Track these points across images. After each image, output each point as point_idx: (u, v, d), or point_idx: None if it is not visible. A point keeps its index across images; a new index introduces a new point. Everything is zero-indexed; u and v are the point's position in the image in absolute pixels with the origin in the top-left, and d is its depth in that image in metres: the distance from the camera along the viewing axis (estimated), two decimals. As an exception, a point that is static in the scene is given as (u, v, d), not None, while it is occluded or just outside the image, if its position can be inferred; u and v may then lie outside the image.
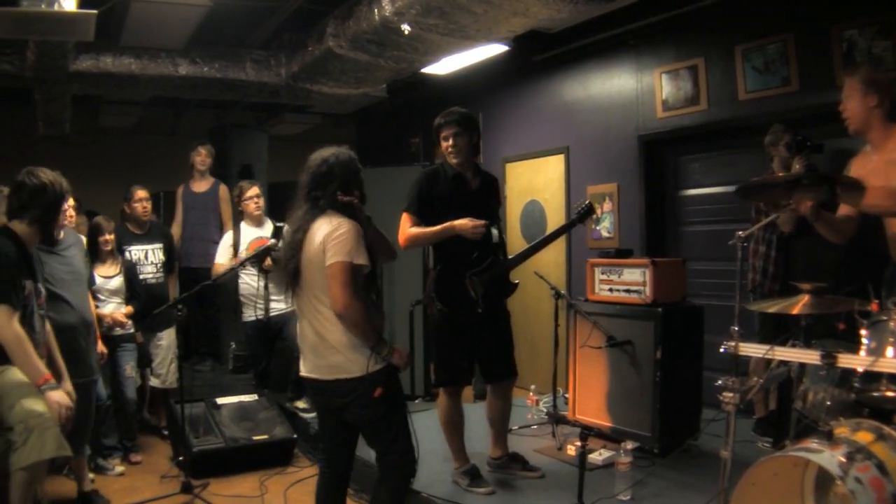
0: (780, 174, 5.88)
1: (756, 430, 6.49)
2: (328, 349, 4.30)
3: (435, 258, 5.68)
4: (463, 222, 5.36)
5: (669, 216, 8.60)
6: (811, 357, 3.90)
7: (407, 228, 5.50)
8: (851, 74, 4.79)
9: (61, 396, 4.47)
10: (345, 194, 4.34)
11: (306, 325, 4.44)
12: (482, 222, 5.40)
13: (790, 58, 6.87)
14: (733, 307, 6.78)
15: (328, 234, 4.21)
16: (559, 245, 9.31)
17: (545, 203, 9.88)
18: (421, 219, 5.52)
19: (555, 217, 9.60)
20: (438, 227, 5.44)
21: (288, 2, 7.85)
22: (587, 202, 5.99)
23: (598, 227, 9.01)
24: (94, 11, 6.30)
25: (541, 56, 9.40)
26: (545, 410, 7.35)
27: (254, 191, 7.89)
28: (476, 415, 6.41)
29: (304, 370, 4.50)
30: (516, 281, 5.81)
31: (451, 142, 5.57)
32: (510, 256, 5.80)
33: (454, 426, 5.74)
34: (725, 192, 7.90)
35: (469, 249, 5.47)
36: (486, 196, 5.76)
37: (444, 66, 8.60)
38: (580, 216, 5.92)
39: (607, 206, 8.89)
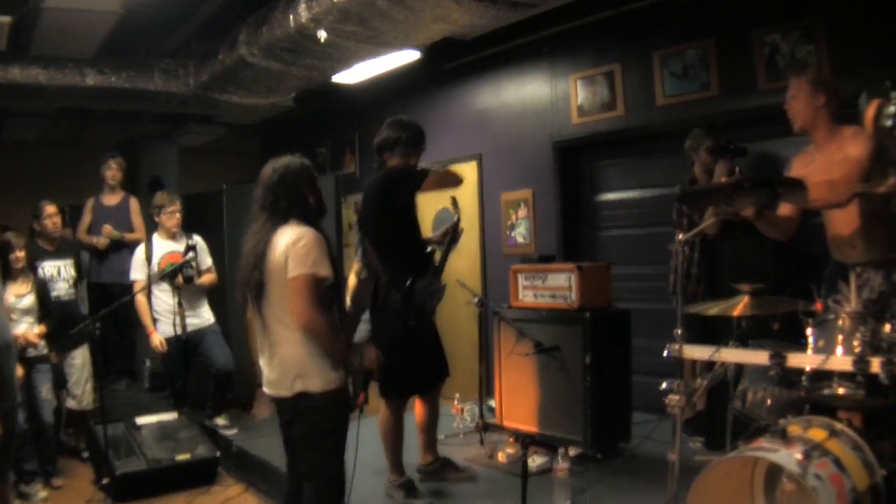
0: (723, 179, 5.91)
1: (685, 431, 6.54)
2: (286, 364, 4.22)
3: (389, 269, 5.57)
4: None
5: (585, 221, 8.65)
6: (760, 358, 3.93)
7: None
8: (799, 74, 4.84)
9: None
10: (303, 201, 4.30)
11: (266, 339, 4.32)
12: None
13: (710, 63, 6.96)
14: (657, 310, 6.96)
15: (289, 244, 4.11)
16: (473, 252, 9.30)
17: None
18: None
19: (467, 223, 9.56)
20: None
21: (200, 9, 7.71)
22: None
23: (513, 234, 9.01)
24: (8, 19, 6.11)
25: (453, 63, 9.37)
26: (469, 419, 7.32)
27: (175, 206, 7.69)
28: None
29: (264, 385, 4.43)
30: (443, 284, 5.77)
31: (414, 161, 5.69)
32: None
33: (396, 437, 5.69)
34: (642, 196, 8.00)
35: (420, 259, 5.66)
36: None
37: (355, 74, 8.52)
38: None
39: (522, 212, 8.91)
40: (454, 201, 6.17)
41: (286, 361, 4.20)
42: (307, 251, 4.07)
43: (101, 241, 8.34)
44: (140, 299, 7.38)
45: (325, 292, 4.17)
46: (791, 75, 4.89)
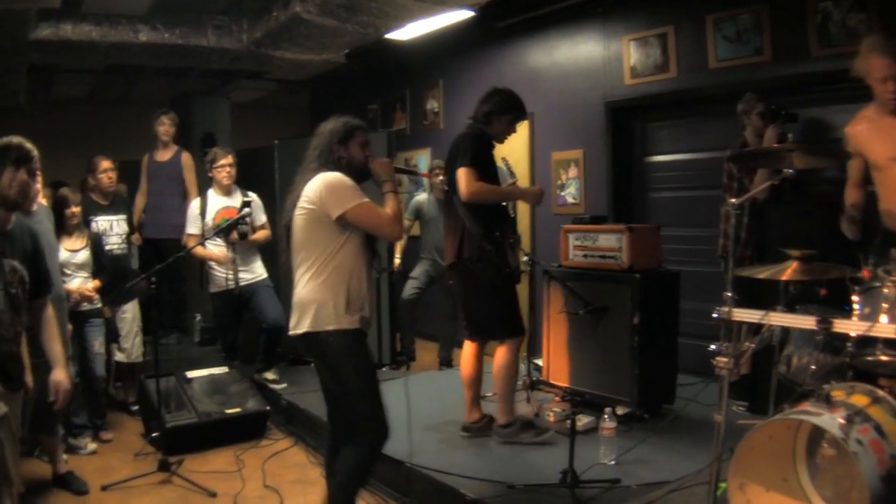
0: (773, 144, 5.94)
1: (729, 395, 6.59)
2: (297, 304, 4.49)
3: (481, 223, 5.76)
4: (534, 191, 6.29)
5: (636, 183, 8.69)
6: (807, 323, 3.97)
7: (474, 181, 5.66)
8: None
9: None
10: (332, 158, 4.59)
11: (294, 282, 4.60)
12: (541, 193, 6.23)
13: (763, 28, 6.94)
14: (704, 273, 6.99)
15: (309, 191, 4.46)
16: (523, 210, 9.35)
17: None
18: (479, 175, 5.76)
19: (520, 183, 9.63)
20: (509, 189, 6.25)
21: (256, -34, 7.74)
22: None
23: (563, 193, 9.06)
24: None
25: (506, 22, 9.40)
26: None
27: (227, 160, 7.73)
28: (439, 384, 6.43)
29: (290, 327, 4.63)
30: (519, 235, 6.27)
31: (515, 130, 6.09)
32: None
33: (516, 376, 6.11)
34: (693, 158, 8.02)
35: (506, 217, 6.03)
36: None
37: (407, 31, 8.55)
38: None
39: (573, 172, 8.95)
40: (506, 163, 6.32)
41: (297, 302, 4.48)
42: (330, 191, 4.38)
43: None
44: (198, 249, 7.47)
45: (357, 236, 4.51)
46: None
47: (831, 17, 6.43)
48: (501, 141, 5.98)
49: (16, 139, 4.33)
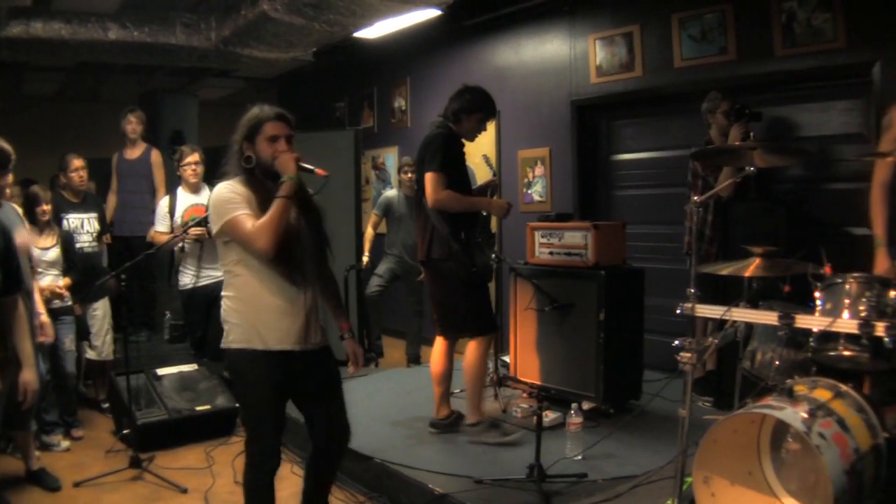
0: (737, 143, 6.00)
1: (694, 390, 6.65)
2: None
3: (448, 223, 5.80)
4: (500, 204, 6.20)
5: (602, 180, 8.75)
6: (769, 318, 4.02)
7: (441, 189, 5.71)
8: None
9: None
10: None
11: None
12: (507, 206, 6.20)
13: (728, 27, 7.03)
14: (669, 270, 7.06)
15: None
16: (489, 208, 9.39)
17: (476, 167, 9.93)
18: (447, 177, 5.78)
19: (483, 179, 9.64)
20: (475, 199, 6.11)
21: (225, -36, 7.75)
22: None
23: (529, 192, 9.10)
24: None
25: (473, 20, 9.43)
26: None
27: (194, 157, 7.67)
28: (408, 380, 6.45)
29: None
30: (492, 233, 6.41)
31: (485, 128, 6.18)
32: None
33: (484, 376, 6.18)
34: (658, 156, 8.11)
35: (476, 217, 6.04)
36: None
37: (375, 30, 8.57)
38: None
39: (539, 170, 9.00)
40: (486, 158, 6.37)
41: None
42: (212, 206, 4.13)
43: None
44: (159, 238, 7.50)
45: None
46: None
47: (796, 17, 6.51)
48: (471, 139, 6.04)
49: None
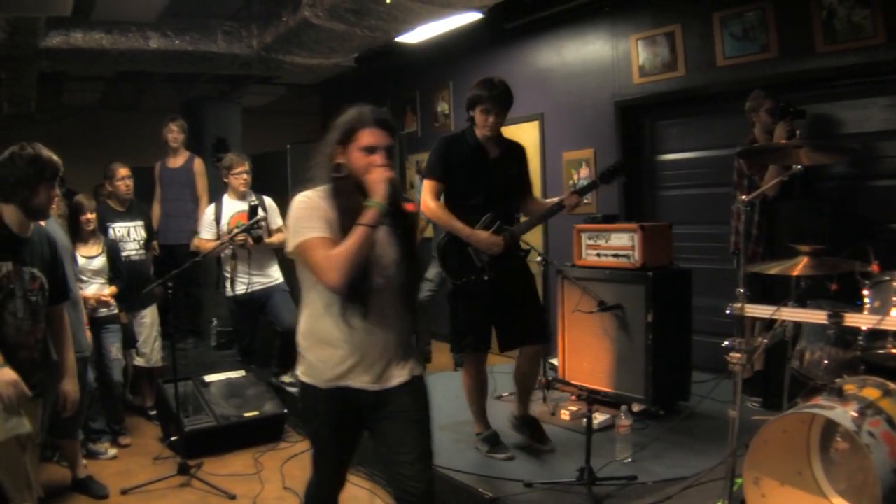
0: (782, 140, 5.98)
1: (743, 391, 6.63)
2: None
3: (444, 231, 5.66)
4: (484, 238, 5.45)
5: (647, 181, 8.72)
6: (818, 317, 4.01)
7: (431, 198, 5.53)
8: None
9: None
10: None
11: None
12: (499, 241, 5.45)
13: (769, 25, 6.98)
14: (716, 270, 7.04)
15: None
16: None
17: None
18: (444, 184, 5.57)
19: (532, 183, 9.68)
20: (459, 227, 5.47)
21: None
22: (615, 162, 6.05)
23: (575, 194, 9.10)
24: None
25: (514, 23, 9.43)
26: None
27: (244, 166, 7.78)
28: (456, 384, 6.46)
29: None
30: (526, 248, 5.90)
31: (492, 119, 5.49)
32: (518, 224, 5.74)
33: (477, 391, 5.83)
34: (703, 156, 8.06)
35: (474, 221, 5.50)
36: (505, 165, 5.66)
37: (416, 34, 8.60)
38: (604, 176, 5.75)
39: (584, 171, 8.99)
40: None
41: None
42: (289, 221, 3.65)
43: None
44: (205, 245, 7.58)
45: None
46: None
47: (836, 14, 6.46)
48: (491, 133, 5.55)
49: (45, 152, 4.37)
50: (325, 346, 3.63)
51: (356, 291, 3.46)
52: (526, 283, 5.77)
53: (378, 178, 3.41)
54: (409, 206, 3.66)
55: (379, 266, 3.55)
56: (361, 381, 3.61)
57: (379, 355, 3.62)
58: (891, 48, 6.18)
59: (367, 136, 3.48)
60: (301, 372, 3.79)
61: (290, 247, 3.52)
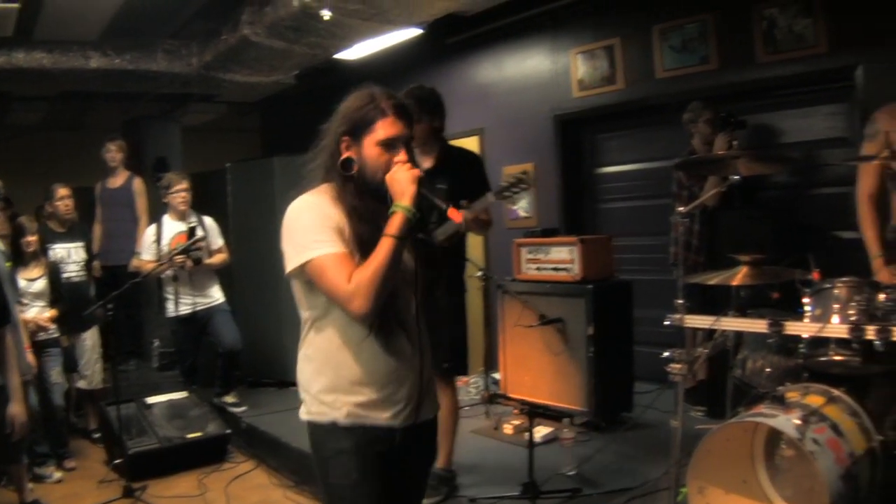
0: (720, 151, 6.01)
1: (686, 400, 6.63)
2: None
3: None
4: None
5: (587, 194, 8.73)
6: (758, 326, 4.02)
7: None
8: None
9: None
10: None
11: None
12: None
13: (709, 36, 7.02)
14: (657, 281, 7.05)
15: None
16: (477, 226, 9.37)
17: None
18: None
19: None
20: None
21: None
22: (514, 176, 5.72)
23: (515, 208, 9.08)
24: (16, 5, 6.17)
25: (455, 38, 9.41)
26: (475, 391, 7.44)
27: (183, 185, 7.69)
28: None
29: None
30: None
31: (426, 128, 5.32)
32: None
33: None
34: (643, 168, 8.10)
35: None
36: (435, 176, 5.35)
37: (356, 51, 8.56)
38: (499, 192, 4.82)
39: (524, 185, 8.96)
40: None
41: None
42: (284, 232, 2.97)
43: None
44: (145, 266, 7.49)
45: None
46: None
47: (777, 24, 6.51)
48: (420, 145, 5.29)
49: None
50: (350, 382, 2.91)
51: (389, 316, 2.87)
52: (443, 306, 5.47)
53: (405, 178, 2.84)
54: (453, 215, 2.90)
55: (409, 285, 2.98)
56: (392, 417, 2.93)
57: (414, 387, 2.99)
58: (832, 57, 6.23)
59: (387, 128, 2.92)
60: (316, 413, 2.97)
61: (292, 264, 2.84)
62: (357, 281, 2.73)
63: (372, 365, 2.90)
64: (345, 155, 2.93)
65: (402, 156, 2.92)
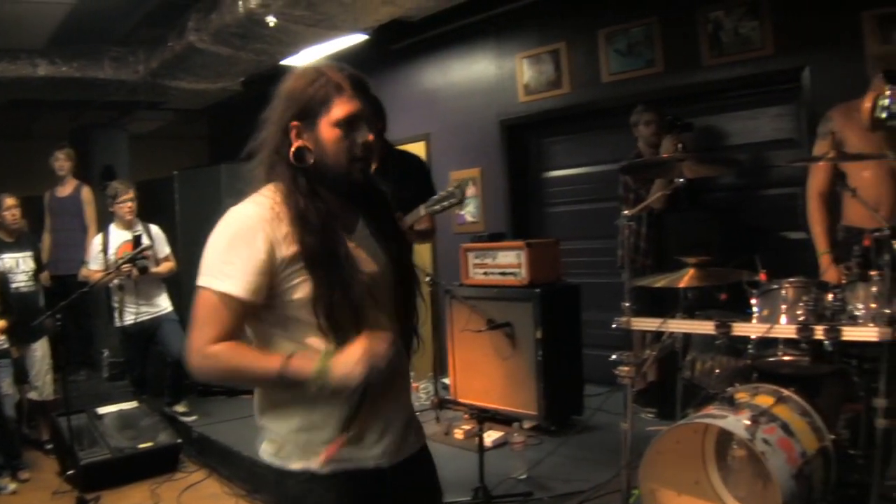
0: (665, 154, 6.04)
1: (637, 402, 6.66)
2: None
3: None
4: None
5: (534, 198, 8.75)
6: (705, 328, 4.04)
7: None
8: None
9: None
10: None
11: None
12: None
13: (655, 40, 7.06)
14: (606, 284, 7.07)
15: None
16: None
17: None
18: None
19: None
20: None
21: (151, -3, 7.71)
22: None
23: (462, 213, 9.07)
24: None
25: (400, 44, 9.39)
26: (424, 397, 7.41)
27: (129, 194, 7.61)
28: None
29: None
30: None
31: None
32: None
33: None
34: (590, 171, 8.13)
35: None
36: (381, 180, 5.31)
37: (302, 57, 8.53)
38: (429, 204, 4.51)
39: (471, 190, 8.96)
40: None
41: None
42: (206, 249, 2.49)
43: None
44: (93, 276, 7.40)
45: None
46: None
47: (723, 27, 6.55)
48: None
49: None
50: (311, 412, 2.40)
51: (344, 326, 2.35)
52: None
53: (352, 360, 2.23)
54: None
55: (366, 283, 2.44)
56: (381, 457, 2.46)
57: (397, 419, 2.55)
58: (779, 59, 6.28)
59: (345, 104, 2.41)
60: (286, 457, 2.45)
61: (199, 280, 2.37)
62: (216, 356, 2.30)
63: (346, 398, 2.36)
64: (296, 144, 2.42)
65: (363, 138, 2.43)
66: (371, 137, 2.44)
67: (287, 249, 2.33)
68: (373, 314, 2.43)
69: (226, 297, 2.30)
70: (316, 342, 2.36)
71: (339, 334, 2.34)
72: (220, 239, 2.36)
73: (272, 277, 2.34)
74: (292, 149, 2.41)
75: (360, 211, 2.59)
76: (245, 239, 2.31)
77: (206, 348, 2.31)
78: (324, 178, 2.43)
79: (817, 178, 5.02)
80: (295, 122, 2.42)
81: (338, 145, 2.40)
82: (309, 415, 2.39)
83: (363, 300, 2.39)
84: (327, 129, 2.40)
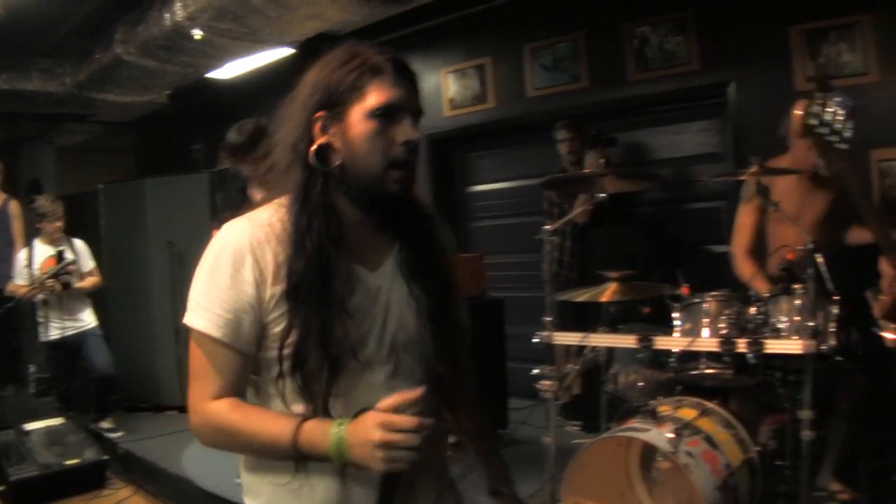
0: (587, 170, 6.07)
1: (562, 415, 6.67)
2: None
3: None
4: None
5: (459, 212, 8.75)
6: (627, 341, 4.06)
7: None
8: None
9: None
10: None
11: None
12: None
13: (580, 55, 7.10)
14: (529, 298, 7.09)
15: None
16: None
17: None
18: None
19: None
20: None
21: (79, 9, 7.63)
22: None
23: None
24: None
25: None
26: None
27: (58, 213, 7.62)
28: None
29: None
30: None
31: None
32: None
33: None
34: (515, 186, 8.15)
35: None
36: None
37: (229, 70, 8.48)
38: None
39: (396, 204, 8.94)
40: None
41: None
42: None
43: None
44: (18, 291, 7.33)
45: None
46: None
47: (649, 42, 6.61)
48: None
49: None
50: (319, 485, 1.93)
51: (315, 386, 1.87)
52: None
53: (367, 437, 1.74)
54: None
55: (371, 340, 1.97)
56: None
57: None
58: (705, 74, 6.36)
59: (383, 91, 1.91)
60: (249, 491, 2.05)
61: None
62: (214, 416, 1.89)
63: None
64: (319, 140, 1.91)
65: (400, 135, 1.91)
66: (416, 136, 1.92)
67: (278, 284, 1.88)
68: (371, 379, 1.95)
69: (208, 340, 1.87)
70: (297, 406, 1.90)
71: (308, 394, 1.87)
72: (203, 264, 1.91)
73: (262, 316, 1.89)
74: (313, 146, 1.91)
75: (394, 240, 2.07)
76: (230, 265, 1.87)
77: (201, 405, 1.90)
78: (349, 186, 1.92)
79: (742, 238, 5.01)
80: (320, 112, 1.93)
81: (372, 143, 1.89)
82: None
83: (347, 358, 1.88)
84: (360, 121, 1.89)
